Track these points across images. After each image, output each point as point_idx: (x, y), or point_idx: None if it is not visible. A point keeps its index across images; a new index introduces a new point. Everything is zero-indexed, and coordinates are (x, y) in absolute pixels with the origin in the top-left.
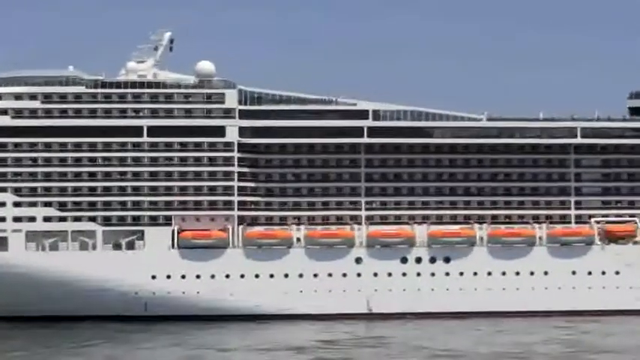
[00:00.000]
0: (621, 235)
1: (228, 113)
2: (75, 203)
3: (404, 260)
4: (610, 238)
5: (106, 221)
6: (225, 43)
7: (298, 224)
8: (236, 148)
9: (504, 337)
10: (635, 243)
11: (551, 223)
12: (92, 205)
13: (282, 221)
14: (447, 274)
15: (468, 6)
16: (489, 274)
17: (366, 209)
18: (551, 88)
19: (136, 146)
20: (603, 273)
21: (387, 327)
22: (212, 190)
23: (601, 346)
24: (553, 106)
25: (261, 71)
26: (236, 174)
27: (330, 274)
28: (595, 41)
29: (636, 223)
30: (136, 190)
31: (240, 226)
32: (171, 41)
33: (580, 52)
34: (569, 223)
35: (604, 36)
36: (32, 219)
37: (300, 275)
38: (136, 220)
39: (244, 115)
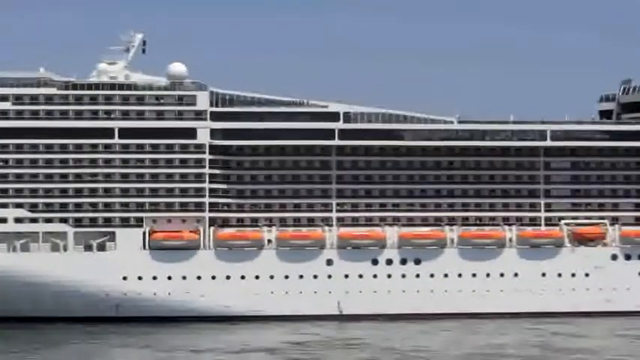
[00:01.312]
0: (591, 238)
1: (199, 115)
2: (46, 204)
3: (375, 262)
4: (579, 240)
5: (78, 222)
6: (197, 46)
7: (269, 226)
8: (207, 149)
9: (475, 338)
10: (605, 245)
11: (521, 225)
12: (63, 207)
13: (254, 223)
14: (418, 275)
15: (439, 8)
16: (460, 275)
17: (337, 211)
18: (521, 92)
19: (108, 148)
20: (573, 275)
21: (358, 328)
22: (183, 192)
23: (571, 347)
24: (523, 109)
25: (233, 73)
26: (207, 176)
27: (301, 276)
28: (565, 44)
29: (606, 225)
30: (108, 192)
31: (212, 228)
32: (144, 43)
33: (551, 56)
34: (539, 225)
35: (574, 39)
36: (3, 220)
37: (271, 277)
38: (108, 221)
39: (216, 117)
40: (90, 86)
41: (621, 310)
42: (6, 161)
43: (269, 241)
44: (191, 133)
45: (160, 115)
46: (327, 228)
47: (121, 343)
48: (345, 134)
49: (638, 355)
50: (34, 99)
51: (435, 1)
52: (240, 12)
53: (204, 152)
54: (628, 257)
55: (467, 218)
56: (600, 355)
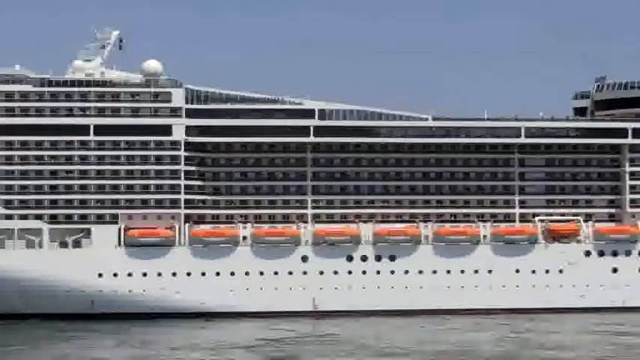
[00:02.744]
0: (565, 234)
1: (175, 112)
2: (21, 201)
3: (349, 258)
4: (553, 236)
5: (53, 219)
6: (172, 43)
7: (245, 222)
8: (183, 146)
9: (449, 334)
10: (579, 242)
11: (495, 221)
12: (39, 203)
13: (229, 219)
14: (393, 272)
15: (414, 5)
16: (434, 272)
17: (313, 208)
18: (496, 89)
19: (83, 144)
20: (547, 271)
21: (332, 325)
22: (159, 189)
23: (545, 343)
24: (498, 106)
25: (209, 70)
26: (183, 172)
27: (276, 272)
28: (539, 42)
29: (579, 221)
30: (83, 189)
31: (187, 225)
32: (121, 40)
33: (525, 54)
34: (514, 221)
35: (548, 37)
36: None
37: (247, 273)
38: (83, 218)
39: (191, 113)
40: (65, 83)
41: (594, 306)
42: None
43: (244, 237)
44: (166, 130)
45: (135, 112)
46: (302, 224)
47: (97, 339)
48: (320, 131)
49: (611, 351)
50: (9, 96)
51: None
52: (215, 9)
53: (179, 149)
54: (601, 254)
55: (441, 215)
56: (573, 350)
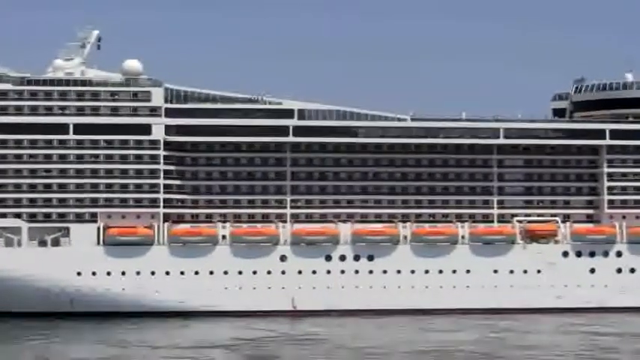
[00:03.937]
0: (543, 235)
1: (154, 111)
2: (0, 200)
3: (328, 258)
4: (532, 237)
5: (32, 218)
6: (152, 42)
7: (224, 222)
8: (162, 145)
9: (428, 334)
10: (557, 242)
11: (474, 222)
12: (17, 202)
13: (208, 219)
14: (371, 272)
15: (393, 5)
16: (412, 272)
17: (292, 207)
18: (475, 90)
19: (62, 143)
20: (525, 272)
21: (311, 324)
22: (138, 188)
23: (523, 343)
24: (478, 107)
25: (188, 70)
26: (162, 172)
27: (254, 272)
28: (519, 42)
29: (558, 222)
30: (62, 187)
31: (166, 224)
32: (99, 39)
33: (505, 55)
34: (492, 222)
35: (528, 38)
36: None
37: (225, 272)
38: (62, 216)
39: (170, 113)
40: (45, 82)
41: (572, 306)
42: None
43: (223, 237)
44: (146, 129)
45: (114, 111)
46: (280, 224)
47: (76, 338)
48: (299, 131)
49: (589, 351)
50: None
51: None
52: (194, 9)
53: (158, 148)
54: (579, 254)
55: (420, 215)
56: (551, 350)
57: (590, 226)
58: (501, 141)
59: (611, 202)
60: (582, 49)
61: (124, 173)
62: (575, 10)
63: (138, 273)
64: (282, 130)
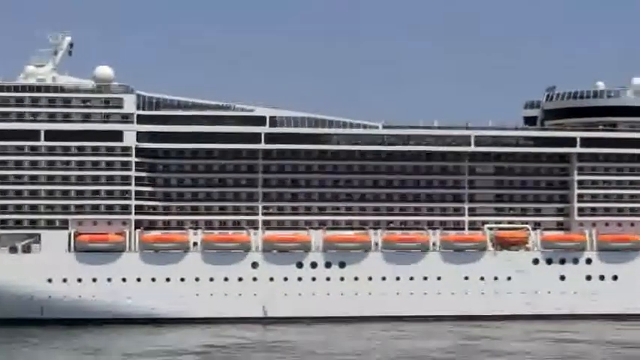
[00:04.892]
0: (513, 242)
1: (126, 118)
2: None
3: (299, 265)
4: (502, 244)
5: (2, 224)
6: (124, 49)
7: (195, 229)
8: (134, 152)
9: (399, 341)
10: (527, 249)
11: (445, 229)
12: None
13: (180, 226)
14: (342, 278)
15: (366, 16)
16: (384, 279)
17: (263, 214)
18: (447, 99)
19: (34, 150)
20: (495, 278)
21: (282, 331)
22: (109, 194)
23: (494, 349)
24: (449, 115)
25: (160, 77)
26: (133, 178)
27: (226, 279)
28: (492, 54)
29: (528, 229)
30: (33, 194)
31: (138, 230)
32: (71, 45)
33: (478, 65)
34: (463, 229)
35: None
36: None
37: (197, 279)
38: (33, 223)
39: (142, 120)
40: (16, 88)
41: (542, 313)
42: None
43: (194, 243)
44: (117, 135)
45: (86, 118)
46: (252, 231)
47: (47, 345)
48: (271, 138)
49: (558, 357)
50: None
51: (361, 11)
52: (166, 16)
53: (130, 155)
54: (549, 261)
55: (391, 222)
56: (521, 357)
57: (560, 233)
58: (472, 148)
59: (581, 209)
60: (554, 59)
61: (96, 180)
62: (548, 22)
63: (109, 280)
64: (254, 137)
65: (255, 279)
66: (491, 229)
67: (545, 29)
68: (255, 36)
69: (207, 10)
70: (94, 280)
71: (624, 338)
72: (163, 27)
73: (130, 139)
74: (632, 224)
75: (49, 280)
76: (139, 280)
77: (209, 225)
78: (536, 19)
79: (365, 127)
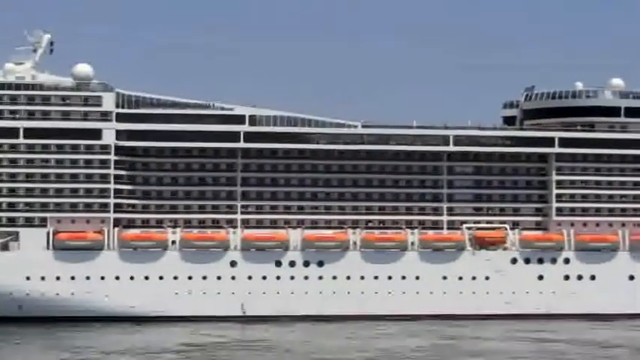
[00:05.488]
0: (491, 242)
1: (105, 116)
2: None
3: (278, 264)
4: (480, 244)
5: None
6: (104, 47)
7: (174, 227)
8: (113, 150)
9: (377, 340)
10: (505, 249)
11: (423, 228)
12: None
13: (159, 224)
14: (321, 277)
15: (340, 15)
16: (362, 278)
17: (242, 213)
18: (426, 100)
19: (12, 148)
20: (474, 278)
21: (261, 330)
22: (88, 192)
23: (472, 348)
24: (428, 115)
25: (140, 75)
26: (112, 176)
27: (204, 277)
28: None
29: (506, 229)
30: (12, 192)
31: (116, 229)
32: (52, 43)
33: (457, 66)
34: (442, 229)
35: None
36: None
37: (175, 277)
38: (11, 221)
39: (122, 118)
40: None
41: (520, 312)
42: None
43: (173, 242)
44: (96, 133)
45: (65, 116)
46: (231, 230)
47: (25, 343)
48: (250, 137)
49: (536, 357)
50: None
51: (341, 11)
52: (146, 15)
53: (109, 153)
54: (527, 261)
55: (370, 221)
56: (499, 356)
57: (538, 233)
58: (451, 148)
59: (559, 209)
60: (533, 60)
61: (75, 178)
62: (528, 23)
63: (87, 278)
64: (234, 136)
65: (233, 278)
66: (469, 228)
67: (526, 30)
68: (234, 36)
69: (186, 10)
70: (73, 278)
71: (601, 338)
72: (142, 25)
73: (109, 137)
74: (610, 224)
75: (28, 278)
76: (117, 278)
77: (188, 223)
78: (518, 20)
79: (344, 126)
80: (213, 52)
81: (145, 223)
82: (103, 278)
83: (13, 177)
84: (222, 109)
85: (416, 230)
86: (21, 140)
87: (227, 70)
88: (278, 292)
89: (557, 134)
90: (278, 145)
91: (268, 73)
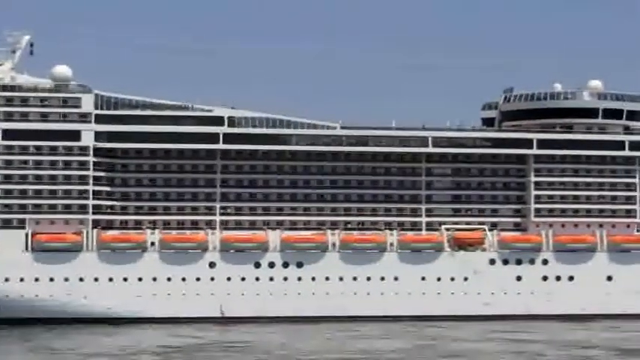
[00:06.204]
0: (470, 243)
1: (84, 117)
2: None
3: (257, 265)
4: (459, 245)
5: None
6: (83, 48)
7: (153, 228)
8: (92, 152)
9: (356, 341)
10: (484, 250)
11: (402, 229)
12: None
13: (138, 225)
14: (300, 278)
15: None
16: (341, 279)
17: (221, 214)
18: (405, 100)
19: None
20: (452, 279)
21: (240, 331)
22: (67, 194)
23: (450, 349)
24: (407, 116)
25: (119, 76)
26: (91, 178)
27: (183, 279)
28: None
29: (485, 230)
30: None
31: (95, 230)
32: (32, 45)
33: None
34: (420, 230)
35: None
36: None
37: (154, 279)
38: None
39: (100, 119)
40: None
41: (499, 313)
42: None
43: (152, 243)
44: (75, 135)
45: (44, 117)
46: (210, 231)
47: (3, 345)
48: (229, 138)
49: (515, 358)
50: None
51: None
52: (125, 17)
53: (88, 155)
54: (505, 262)
55: (349, 222)
56: (477, 357)
57: (517, 234)
58: (430, 149)
59: (537, 210)
60: (512, 61)
61: (53, 179)
62: (506, 25)
63: (66, 279)
64: (212, 138)
65: (212, 279)
66: (448, 229)
67: (504, 31)
68: (212, 37)
69: (164, 12)
70: (52, 279)
71: (578, 338)
72: (121, 27)
73: (87, 139)
74: (588, 225)
75: (6, 280)
76: (96, 279)
77: (167, 225)
78: (496, 22)
79: (323, 127)
80: (191, 54)
81: (124, 225)
82: (81, 280)
83: None
84: (201, 110)
85: (395, 231)
86: None
87: (205, 71)
88: (257, 294)
89: (535, 136)
90: (257, 146)
91: (247, 75)
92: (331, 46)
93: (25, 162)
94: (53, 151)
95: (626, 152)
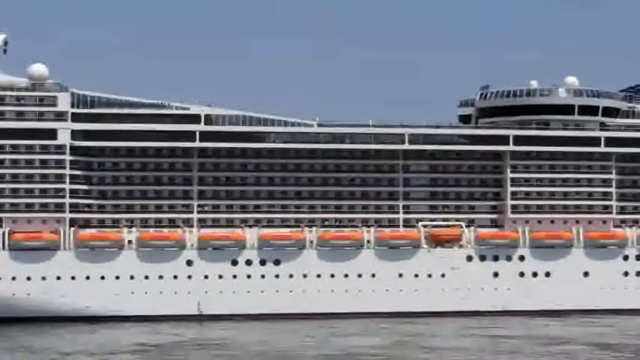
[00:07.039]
0: (447, 239)
1: (60, 116)
2: None
3: (234, 263)
4: (436, 241)
5: None
6: (59, 46)
7: (130, 227)
8: (68, 150)
9: (334, 339)
10: (461, 247)
11: (379, 226)
12: None
13: (115, 224)
14: (277, 276)
15: (293, 15)
16: (319, 276)
17: (199, 212)
18: (382, 96)
19: None
20: (429, 276)
21: (218, 329)
22: (44, 193)
23: (428, 346)
24: (384, 114)
25: (95, 75)
26: (68, 176)
27: (161, 276)
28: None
29: (462, 227)
30: None
31: (72, 229)
32: (5, 43)
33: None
34: (398, 226)
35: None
36: None
37: (132, 277)
38: None
39: (77, 118)
40: None
41: (476, 309)
42: None
43: (129, 241)
44: (52, 133)
45: (20, 116)
46: (187, 229)
47: None
48: (206, 136)
49: (492, 353)
50: None
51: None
52: (102, 14)
53: (64, 153)
54: (483, 258)
55: (326, 220)
56: (455, 353)
57: (493, 230)
58: (407, 146)
59: (514, 207)
60: (489, 58)
61: (30, 178)
62: (484, 22)
63: (43, 278)
64: (189, 136)
65: (190, 277)
66: (425, 226)
67: (480, 29)
68: (186, 35)
69: (140, 10)
70: (29, 278)
71: (555, 334)
72: (97, 25)
73: (64, 137)
74: (565, 221)
75: None
76: (73, 278)
77: (144, 223)
78: (474, 19)
79: (300, 125)
80: (167, 52)
81: (101, 223)
82: (59, 278)
83: None
84: (178, 108)
85: (372, 228)
86: None
87: (181, 69)
88: (234, 291)
89: (511, 132)
90: (234, 144)
91: (223, 73)
92: (309, 43)
93: (2, 161)
94: (29, 149)
95: (602, 148)
